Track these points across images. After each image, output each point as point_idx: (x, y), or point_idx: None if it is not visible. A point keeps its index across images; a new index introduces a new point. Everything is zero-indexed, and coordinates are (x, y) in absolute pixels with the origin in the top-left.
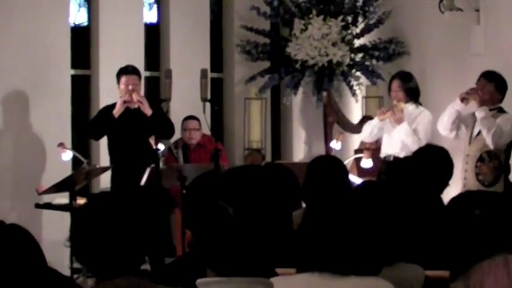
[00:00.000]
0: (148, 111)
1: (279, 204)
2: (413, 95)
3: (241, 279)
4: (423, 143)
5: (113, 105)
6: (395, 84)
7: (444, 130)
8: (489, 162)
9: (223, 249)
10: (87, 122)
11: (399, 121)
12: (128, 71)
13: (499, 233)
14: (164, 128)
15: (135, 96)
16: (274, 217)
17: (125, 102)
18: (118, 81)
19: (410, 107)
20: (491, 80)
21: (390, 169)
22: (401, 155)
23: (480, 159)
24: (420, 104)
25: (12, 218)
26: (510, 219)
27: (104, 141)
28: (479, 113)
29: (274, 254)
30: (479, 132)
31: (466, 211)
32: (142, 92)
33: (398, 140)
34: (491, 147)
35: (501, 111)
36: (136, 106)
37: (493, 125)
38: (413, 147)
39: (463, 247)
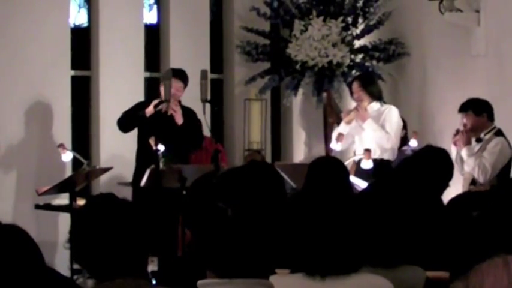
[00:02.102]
0: (179, 120)
1: (277, 202)
2: (375, 95)
3: (242, 281)
4: (392, 136)
5: (148, 102)
6: (355, 85)
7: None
8: (480, 185)
9: (223, 250)
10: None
11: (363, 118)
12: (173, 74)
13: (498, 233)
14: (192, 139)
15: (170, 109)
16: (273, 217)
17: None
18: (161, 82)
19: (375, 106)
20: (467, 109)
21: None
22: (377, 154)
23: (473, 182)
24: (385, 103)
25: (12, 219)
26: (509, 219)
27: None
28: (463, 155)
29: (274, 255)
30: None
31: (464, 212)
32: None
33: (371, 140)
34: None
35: (497, 133)
36: (169, 113)
37: (476, 164)
38: (382, 141)
39: (463, 248)
